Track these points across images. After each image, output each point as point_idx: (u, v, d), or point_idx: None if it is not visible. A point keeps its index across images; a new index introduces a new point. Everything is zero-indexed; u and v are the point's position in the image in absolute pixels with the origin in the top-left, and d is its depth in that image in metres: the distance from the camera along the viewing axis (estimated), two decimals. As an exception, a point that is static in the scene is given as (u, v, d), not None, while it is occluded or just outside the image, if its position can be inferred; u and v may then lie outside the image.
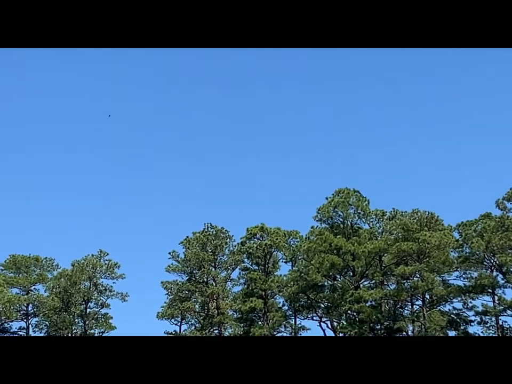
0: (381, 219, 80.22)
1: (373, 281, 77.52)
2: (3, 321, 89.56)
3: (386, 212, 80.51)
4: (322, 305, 77.98)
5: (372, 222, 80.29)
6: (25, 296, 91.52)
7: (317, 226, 78.12)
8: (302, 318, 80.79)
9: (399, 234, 75.64)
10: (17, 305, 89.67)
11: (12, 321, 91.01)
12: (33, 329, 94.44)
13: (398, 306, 78.93)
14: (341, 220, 78.42)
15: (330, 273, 76.42)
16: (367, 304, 74.05)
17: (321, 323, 78.08)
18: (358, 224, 79.40)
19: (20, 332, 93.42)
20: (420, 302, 76.59)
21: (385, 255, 76.51)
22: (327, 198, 78.09)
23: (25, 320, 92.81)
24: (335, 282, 77.46)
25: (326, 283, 77.05)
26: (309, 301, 77.28)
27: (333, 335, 76.94)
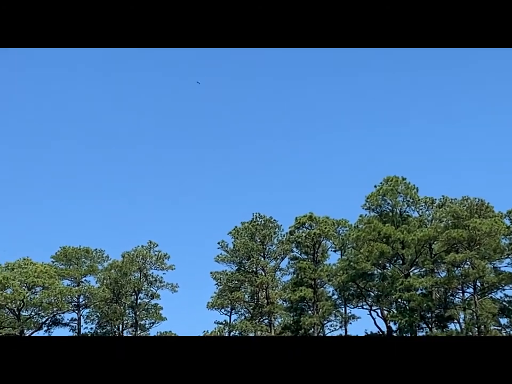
0: (430, 207, 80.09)
1: (423, 269, 77.40)
2: (55, 313, 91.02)
3: (435, 199, 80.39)
4: (372, 294, 78.05)
5: (421, 209, 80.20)
6: (77, 287, 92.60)
7: (366, 214, 78.25)
8: (352, 306, 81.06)
9: (449, 222, 75.45)
10: (69, 296, 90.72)
11: (63, 313, 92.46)
12: (84, 320, 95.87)
13: (449, 294, 78.78)
14: (389, 208, 78.40)
15: (380, 262, 76.51)
16: (418, 292, 73.99)
17: (372, 312, 78.30)
18: (407, 212, 79.28)
19: (72, 323, 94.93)
20: (471, 290, 76.34)
21: (435, 242, 76.40)
22: (375, 186, 78.12)
23: (76, 311, 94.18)
24: (385, 270, 77.47)
25: (375, 271, 77.12)
26: (358, 290, 77.44)
27: (384, 323, 77.21)
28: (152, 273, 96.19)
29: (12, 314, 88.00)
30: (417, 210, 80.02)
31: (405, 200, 78.29)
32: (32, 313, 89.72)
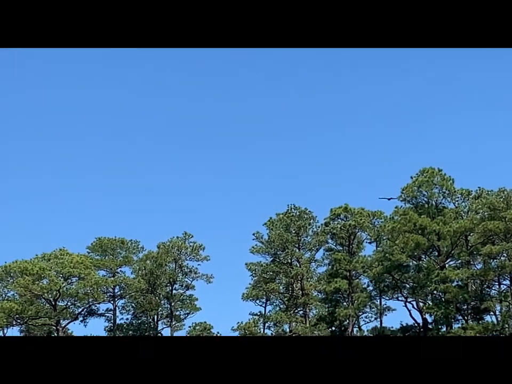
0: (467, 198, 79.91)
1: (459, 261, 77.33)
2: (91, 303, 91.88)
3: (471, 191, 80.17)
4: (408, 286, 78.06)
5: (457, 201, 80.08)
6: (112, 278, 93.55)
7: (401, 206, 78.31)
8: (387, 298, 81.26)
9: (485, 214, 75.23)
10: (104, 287, 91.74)
11: (99, 303, 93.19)
12: (120, 311, 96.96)
13: (485, 286, 78.73)
14: (425, 199, 78.44)
15: (415, 253, 76.54)
16: (453, 284, 74.03)
17: (407, 303, 78.39)
18: (443, 203, 79.23)
19: (107, 313, 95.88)
20: (507, 282, 76.29)
21: (471, 234, 76.26)
22: (411, 178, 78.19)
23: (112, 302, 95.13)
24: (420, 262, 77.47)
25: (411, 263, 77.09)
26: (393, 281, 77.49)
27: (419, 315, 77.33)
28: (187, 264, 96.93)
29: (48, 305, 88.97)
30: (453, 201, 79.95)
31: (440, 191, 78.27)
32: (68, 303, 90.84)
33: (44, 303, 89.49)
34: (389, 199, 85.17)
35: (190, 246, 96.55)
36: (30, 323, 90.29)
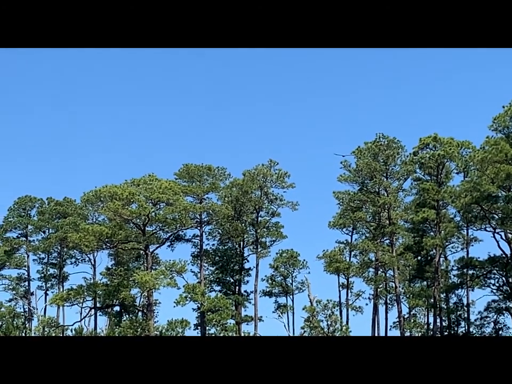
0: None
1: (551, 192, 78.69)
2: (178, 229, 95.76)
3: None
4: (496, 217, 79.37)
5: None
6: (199, 204, 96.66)
7: (492, 136, 79.67)
8: (475, 229, 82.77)
9: None
10: (192, 213, 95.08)
11: (186, 229, 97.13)
12: (206, 237, 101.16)
13: None
14: (517, 129, 79.62)
15: (505, 184, 77.68)
16: (544, 216, 75.61)
17: (495, 234, 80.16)
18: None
19: (194, 239, 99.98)
20: None
21: None
22: (503, 107, 79.30)
23: (199, 228, 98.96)
24: (510, 193, 79.03)
25: (500, 194, 78.44)
26: (482, 212, 79.15)
27: (508, 246, 79.31)
28: (273, 191, 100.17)
29: (136, 229, 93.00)
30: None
31: (534, 121, 79.25)
32: (156, 228, 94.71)
33: (133, 228, 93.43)
34: (343, 156, 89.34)
35: (276, 173, 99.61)
36: (119, 247, 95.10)
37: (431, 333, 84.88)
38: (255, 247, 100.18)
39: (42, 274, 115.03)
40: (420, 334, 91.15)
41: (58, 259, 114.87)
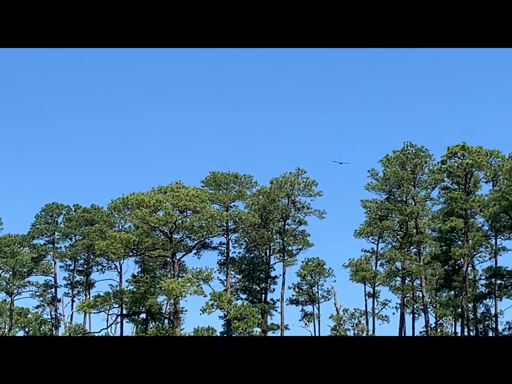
0: None
1: None
2: (205, 236, 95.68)
3: None
4: None
5: None
6: (226, 212, 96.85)
7: None
8: (503, 238, 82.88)
9: None
10: (218, 221, 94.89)
11: (213, 237, 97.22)
12: (232, 244, 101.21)
13: None
14: (546, 138, 79.94)
15: (534, 194, 78.16)
16: None
17: None
18: None
19: (220, 247, 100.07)
20: None
21: None
22: (532, 116, 79.85)
23: (225, 235, 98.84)
24: (539, 202, 79.10)
25: (528, 203, 78.74)
26: (510, 221, 79.21)
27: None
28: (300, 199, 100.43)
29: (163, 236, 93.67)
30: None
31: None
32: (183, 236, 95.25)
33: (160, 235, 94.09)
34: (340, 163, 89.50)
35: (303, 181, 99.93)
36: (146, 254, 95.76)
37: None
38: (281, 255, 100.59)
39: (69, 281, 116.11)
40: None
41: (85, 266, 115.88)
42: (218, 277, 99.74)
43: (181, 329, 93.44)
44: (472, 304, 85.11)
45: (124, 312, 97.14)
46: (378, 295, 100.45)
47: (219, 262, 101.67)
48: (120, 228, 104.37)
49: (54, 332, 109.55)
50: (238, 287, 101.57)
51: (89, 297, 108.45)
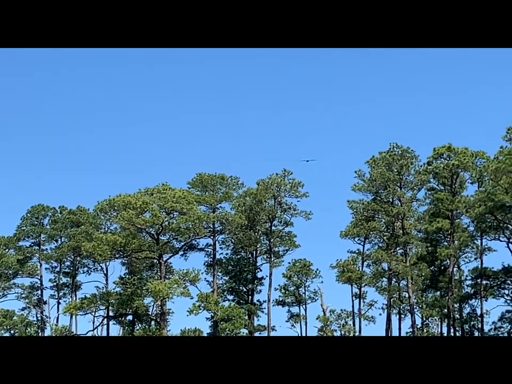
0: None
1: None
2: (192, 238, 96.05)
3: None
4: (510, 226, 79.42)
5: None
6: (213, 213, 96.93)
7: (506, 146, 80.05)
8: (489, 239, 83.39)
9: None
10: (205, 222, 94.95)
11: (199, 238, 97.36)
12: (219, 246, 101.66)
13: None
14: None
15: (519, 194, 78.57)
16: (559, 226, 76.08)
17: (509, 244, 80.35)
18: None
19: (207, 248, 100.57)
20: None
21: None
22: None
23: (212, 237, 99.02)
24: (525, 203, 79.57)
25: (514, 204, 79.13)
26: (496, 222, 79.56)
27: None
28: (286, 200, 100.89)
29: (150, 238, 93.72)
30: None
31: (548, 131, 79.72)
32: (170, 237, 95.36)
33: (146, 237, 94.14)
34: (307, 161, 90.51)
35: (289, 182, 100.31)
36: (133, 256, 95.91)
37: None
38: (268, 256, 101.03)
39: (55, 283, 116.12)
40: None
41: (71, 268, 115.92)
42: (205, 278, 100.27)
43: (168, 331, 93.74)
44: (458, 304, 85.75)
45: (111, 314, 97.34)
46: (365, 296, 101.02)
47: (206, 264, 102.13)
48: (107, 229, 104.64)
49: (40, 334, 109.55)
50: (225, 288, 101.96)
51: (76, 299, 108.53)
